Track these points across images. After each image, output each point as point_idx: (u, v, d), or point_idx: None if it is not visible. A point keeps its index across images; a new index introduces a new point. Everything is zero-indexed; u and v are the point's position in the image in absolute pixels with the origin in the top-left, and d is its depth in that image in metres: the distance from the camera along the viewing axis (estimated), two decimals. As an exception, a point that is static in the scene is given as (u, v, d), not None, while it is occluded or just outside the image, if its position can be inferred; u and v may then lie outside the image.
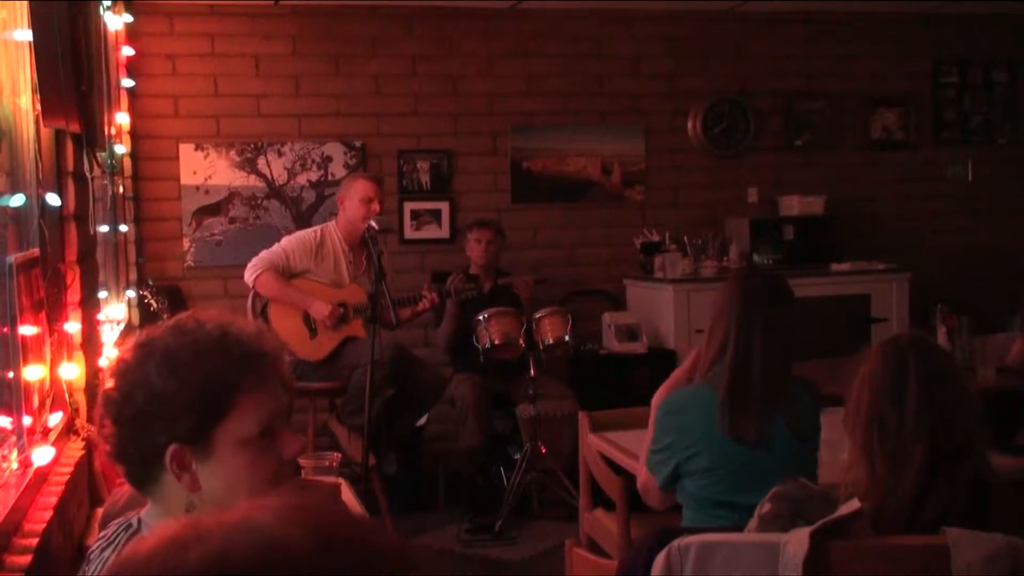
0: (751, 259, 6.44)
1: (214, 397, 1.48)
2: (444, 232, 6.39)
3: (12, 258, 2.48)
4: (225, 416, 1.48)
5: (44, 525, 2.26)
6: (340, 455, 2.91)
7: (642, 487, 3.02)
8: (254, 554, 0.66)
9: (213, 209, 6.08)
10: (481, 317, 5.23)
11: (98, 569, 1.52)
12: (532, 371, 5.22)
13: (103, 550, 1.55)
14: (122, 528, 1.57)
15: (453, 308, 5.52)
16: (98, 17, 3.75)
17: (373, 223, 4.80)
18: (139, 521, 1.56)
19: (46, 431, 2.72)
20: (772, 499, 2.20)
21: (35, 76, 2.57)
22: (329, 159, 6.23)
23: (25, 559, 2.07)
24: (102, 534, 1.61)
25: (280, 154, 6.16)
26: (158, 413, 1.47)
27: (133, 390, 1.49)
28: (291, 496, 0.70)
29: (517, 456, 5.33)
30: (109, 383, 1.52)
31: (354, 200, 5.13)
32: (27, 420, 2.55)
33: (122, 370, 1.51)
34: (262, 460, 1.51)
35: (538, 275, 5.88)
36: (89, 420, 3.04)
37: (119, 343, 4.46)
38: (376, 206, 5.10)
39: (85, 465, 2.92)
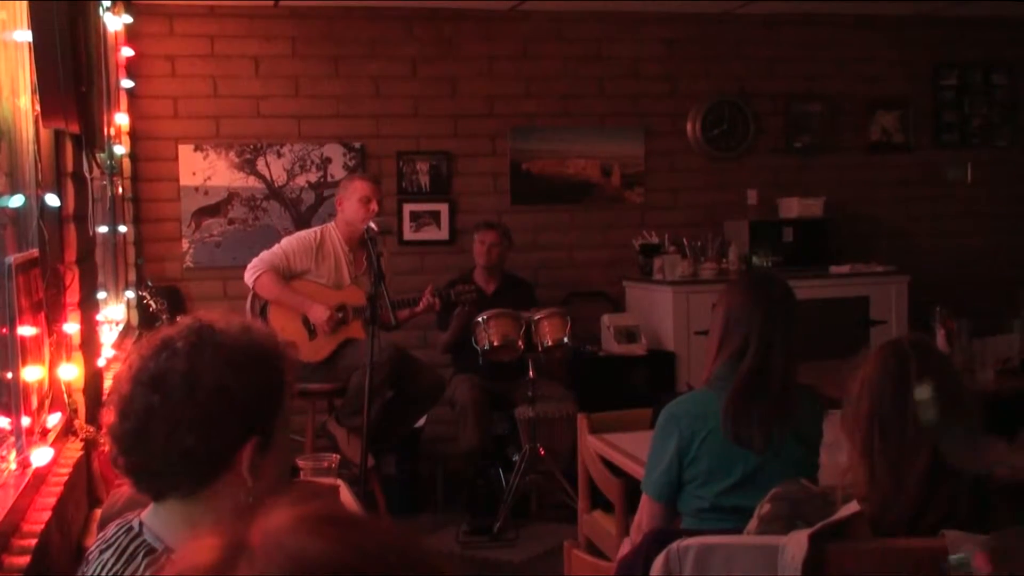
0: (750, 261, 6.44)
1: (280, 386, 1.55)
2: (443, 234, 6.39)
3: (11, 259, 2.48)
4: (284, 403, 1.56)
5: (42, 526, 2.26)
6: (339, 456, 2.90)
7: (637, 523, 2.94)
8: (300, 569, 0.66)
9: (212, 210, 6.08)
10: (480, 319, 5.23)
11: (97, 570, 1.51)
12: (531, 373, 5.22)
13: (102, 551, 1.53)
14: (122, 530, 1.55)
15: (461, 319, 5.50)
16: (98, 18, 3.75)
17: (373, 224, 4.79)
18: (140, 524, 1.55)
19: (45, 432, 2.71)
20: (772, 500, 2.20)
21: (35, 77, 2.56)
22: (328, 160, 6.23)
23: (23, 560, 2.07)
24: (101, 535, 1.60)
25: (279, 155, 6.16)
26: (231, 409, 1.48)
27: (202, 389, 1.46)
28: (323, 508, 0.70)
29: (516, 458, 5.32)
30: (145, 381, 1.48)
31: (352, 200, 5.14)
32: (26, 421, 2.55)
33: (186, 370, 1.47)
34: (289, 448, 1.61)
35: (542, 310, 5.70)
36: (88, 421, 3.04)
37: (118, 344, 4.46)
38: (375, 206, 5.11)
39: (84, 466, 2.92)
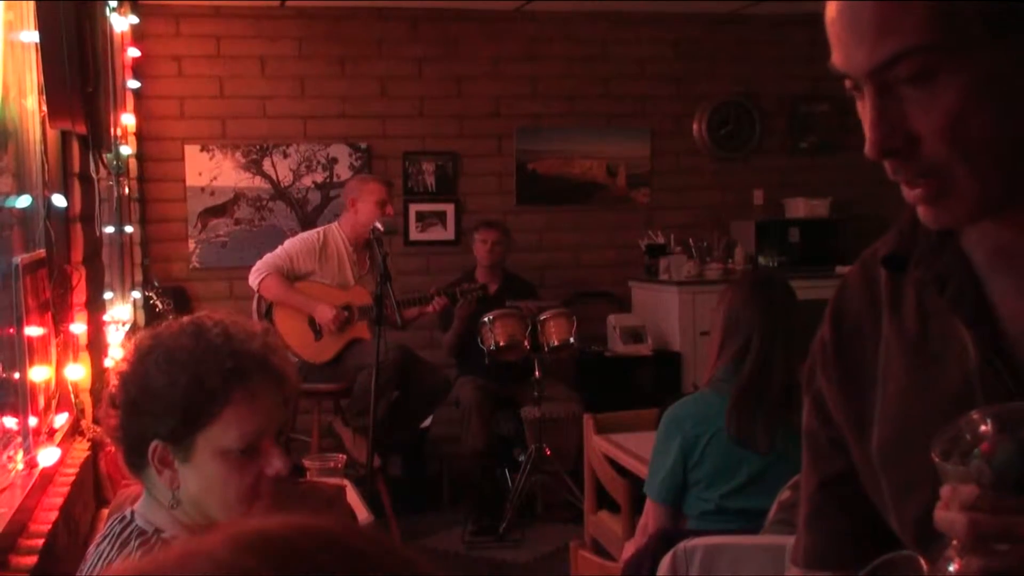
0: (756, 261, 6.43)
1: (198, 402, 1.48)
2: (449, 234, 6.39)
3: (18, 259, 2.48)
4: (207, 423, 1.49)
5: (50, 526, 2.26)
6: (345, 456, 2.91)
7: (642, 526, 2.94)
8: None
9: (218, 210, 6.09)
10: (486, 319, 5.23)
11: (94, 563, 1.54)
12: (537, 373, 5.22)
13: (98, 544, 1.57)
14: (116, 520, 1.60)
15: (463, 314, 5.50)
16: (104, 18, 3.75)
17: (378, 224, 4.82)
18: (132, 512, 1.60)
19: (52, 432, 2.72)
20: (793, 487, 2.20)
21: (41, 77, 2.57)
22: (334, 161, 6.23)
23: (30, 560, 2.07)
24: (100, 532, 1.63)
25: (285, 155, 6.17)
26: (146, 407, 1.50)
27: (133, 379, 1.52)
28: (253, 521, 0.67)
29: (522, 458, 5.32)
30: (123, 365, 1.55)
31: (368, 203, 5.14)
32: (33, 421, 2.55)
33: (133, 357, 1.54)
34: (239, 474, 1.51)
35: (542, 302, 5.73)
36: (95, 421, 3.04)
37: (124, 344, 4.47)
38: (390, 209, 5.20)
39: (91, 466, 2.92)
